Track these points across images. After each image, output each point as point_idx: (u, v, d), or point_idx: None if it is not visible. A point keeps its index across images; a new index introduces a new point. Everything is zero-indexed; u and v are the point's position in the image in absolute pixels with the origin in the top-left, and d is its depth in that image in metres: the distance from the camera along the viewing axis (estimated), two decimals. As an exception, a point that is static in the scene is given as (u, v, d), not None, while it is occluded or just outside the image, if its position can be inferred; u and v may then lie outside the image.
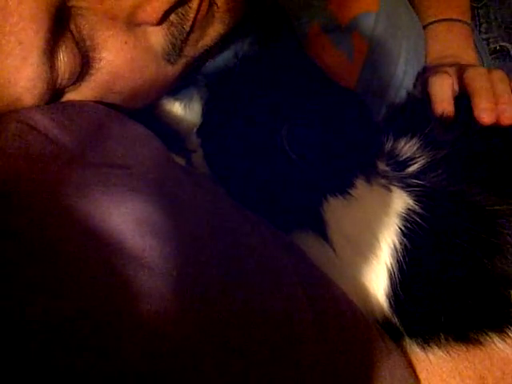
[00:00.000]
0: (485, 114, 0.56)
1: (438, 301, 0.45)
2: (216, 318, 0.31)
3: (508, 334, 0.45)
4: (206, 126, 0.50)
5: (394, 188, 0.48)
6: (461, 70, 0.63)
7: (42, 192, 0.31)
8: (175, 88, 0.54)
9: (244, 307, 0.32)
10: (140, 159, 0.38)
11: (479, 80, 0.60)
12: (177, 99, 0.56)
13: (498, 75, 0.62)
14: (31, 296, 0.27)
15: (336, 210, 0.45)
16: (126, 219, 0.31)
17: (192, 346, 0.29)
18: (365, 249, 0.45)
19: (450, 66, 0.68)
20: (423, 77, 0.69)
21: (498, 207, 0.47)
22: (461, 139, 0.56)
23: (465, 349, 0.45)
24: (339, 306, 0.40)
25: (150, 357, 0.27)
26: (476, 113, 0.56)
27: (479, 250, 0.45)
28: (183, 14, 0.42)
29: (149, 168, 0.37)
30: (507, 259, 0.45)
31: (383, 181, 0.47)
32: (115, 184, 0.33)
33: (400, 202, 0.47)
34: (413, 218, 0.46)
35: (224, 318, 0.31)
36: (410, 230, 0.45)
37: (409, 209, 0.46)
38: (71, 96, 0.41)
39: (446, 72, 0.62)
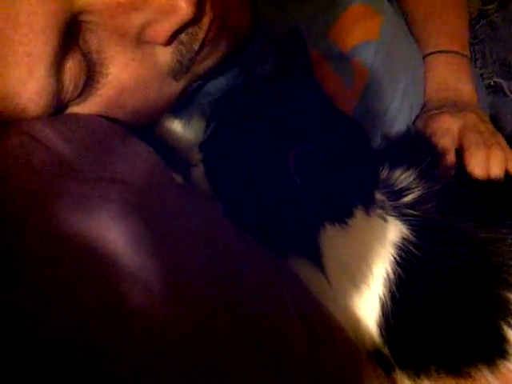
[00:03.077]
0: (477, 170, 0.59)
1: (430, 332, 0.45)
2: (210, 338, 0.30)
3: (498, 368, 0.45)
4: (209, 142, 0.50)
5: (389, 218, 0.48)
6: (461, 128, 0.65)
7: (39, 204, 0.31)
8: (176, 106, 0.54)
9: (239, 328, 0.32)
10: (140, 175, 0.38)
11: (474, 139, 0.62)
12: (177, 117, 0.57)
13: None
14: (25, 309, 0.26)
15: (332, 239, 0.44)
16: (123, 235, 0.31)
17: (186, 365, 0.28)
18: (358, 278, 0.45)
19: (451, 106, 0.69)
20: (424, 116, 0.70)
21: (485, 235, 0.48)
22: (453, 175, 0.58)
23: (454, 382, 0.44)
24: (332, 332, 0.40)
25: (144, 375, 0.27)
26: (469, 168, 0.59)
27: (471, 276, 0.46)
28: (193, 34, 0.43)
29: (148, 184, 0.37)
30: (498, 284, 0.46)
31: (380, 211, 0.48)
32: (114, 199, 0.33)
33: (395, 231, 0.47)
34: (407, 247, 0.46)
35: (218, 339, 0.31)
36: (404, 260, 0.46)
37: (403, 238, 0.47)
38: (75, 109, 0.41)
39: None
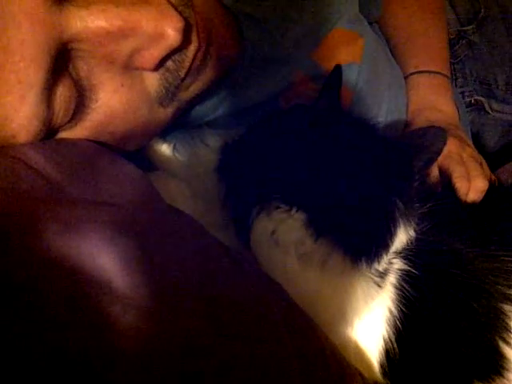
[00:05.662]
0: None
1: (430, 357, 0.46)
2: (202, 358, 0.31)
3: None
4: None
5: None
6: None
7: (30, 228, 0.31)
8: (165, 129, 0.55)
9: (229, 347, 0.32)
10: (130, 198, 0.38)
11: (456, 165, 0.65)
12: (165, 140, 0.57)
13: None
14: (16, 337, 0.26)
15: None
16: (114, 258, 0.31)
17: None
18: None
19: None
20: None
21: (475, 252, 0.49)
22: (441, 194, 0.60)
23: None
24: (323, 350, 0.40)
25: None
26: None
27: (467, 296, 0.46)
28: (179, 62, 0.44)
29: (138, 206, 0.38)
30: (493, 296, 0.46)
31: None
32: (105, 222, 0.33)
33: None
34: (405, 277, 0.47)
35: (210, 359, 0.31)
36: (403, 290, 0.46)
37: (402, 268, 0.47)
38: (65, 134, 0.42)
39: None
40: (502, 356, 0.45)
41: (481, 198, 0.61)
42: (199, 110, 0.59)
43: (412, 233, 0.47)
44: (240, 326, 0.35)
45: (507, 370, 0.46)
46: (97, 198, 0.36)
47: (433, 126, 0.51)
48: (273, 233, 0.44)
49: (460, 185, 0.61)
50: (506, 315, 0.46)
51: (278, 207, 0.44)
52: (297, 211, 0.44)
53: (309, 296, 0.44)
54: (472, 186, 0.62)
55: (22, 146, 0.37)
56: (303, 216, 0.44)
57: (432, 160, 0.50)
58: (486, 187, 0.62)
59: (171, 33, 0.39)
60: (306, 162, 0.46)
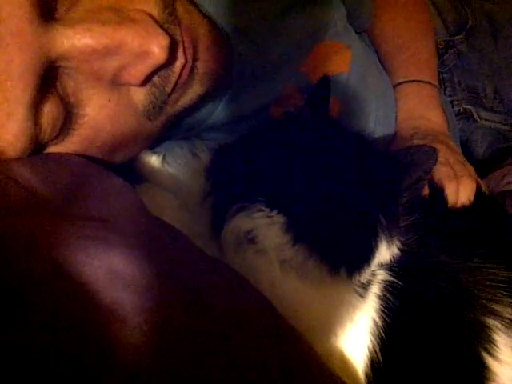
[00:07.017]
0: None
1: (416, 368, 0.46)
2: (186, 369, 0.31)
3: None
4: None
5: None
6: None
7: (17, 244, 0.31)
8: (154, 141, 0.55)
9: (215, 361, 0.33)
10: (117, 212, 0.38)
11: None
12: (154, 152, 0.58)
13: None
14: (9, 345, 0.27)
15: None
16: (100, 272, 0.31)
17: None
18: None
19: (421, 136, 0.73)
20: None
21: (460, 264, 0.49)
22: (426, 205, 0.59)
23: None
24: (310, 363, 0.40)
25: None
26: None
27: (451, 307, 0.47)
28: (165, 77, 0.44)
29: (125, 221, 0.38)
30: (476, 310, 0.47)
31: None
32: (91, 237, 0.33)
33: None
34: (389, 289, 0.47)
35: (198, 371, 0.31)
36: (386, 301, 0.47)
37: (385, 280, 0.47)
38: (53, 149, 0.42)
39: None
40: (485, 367, 0.46)
41: (471, 198, 0.62)
42: (189, 122, 0.59)
43: (395, 250, 0.47)
44: (225, 337, 0.35)
45: (491, 380, 0.46)
46: (83, 213, 0.36)
47: (424, 145, 0.51)
48: (249, 232, 0.44)
49: (448, 185, 0.62)
50: (490, 329, 0.46)
51: (260, 210, 0.44)
52: (277, 214, 0.44)
53: (291, 304, 0.44)
54: (461, 185, 0.63)
55: (9, 163, 0.37)
56: (282, 219, 0.44)
57: (421, 179, 0.50)
58: (475, 187, 0.63)
59: (156, 50, 0.40)
60: (293, 169, 0.46)
